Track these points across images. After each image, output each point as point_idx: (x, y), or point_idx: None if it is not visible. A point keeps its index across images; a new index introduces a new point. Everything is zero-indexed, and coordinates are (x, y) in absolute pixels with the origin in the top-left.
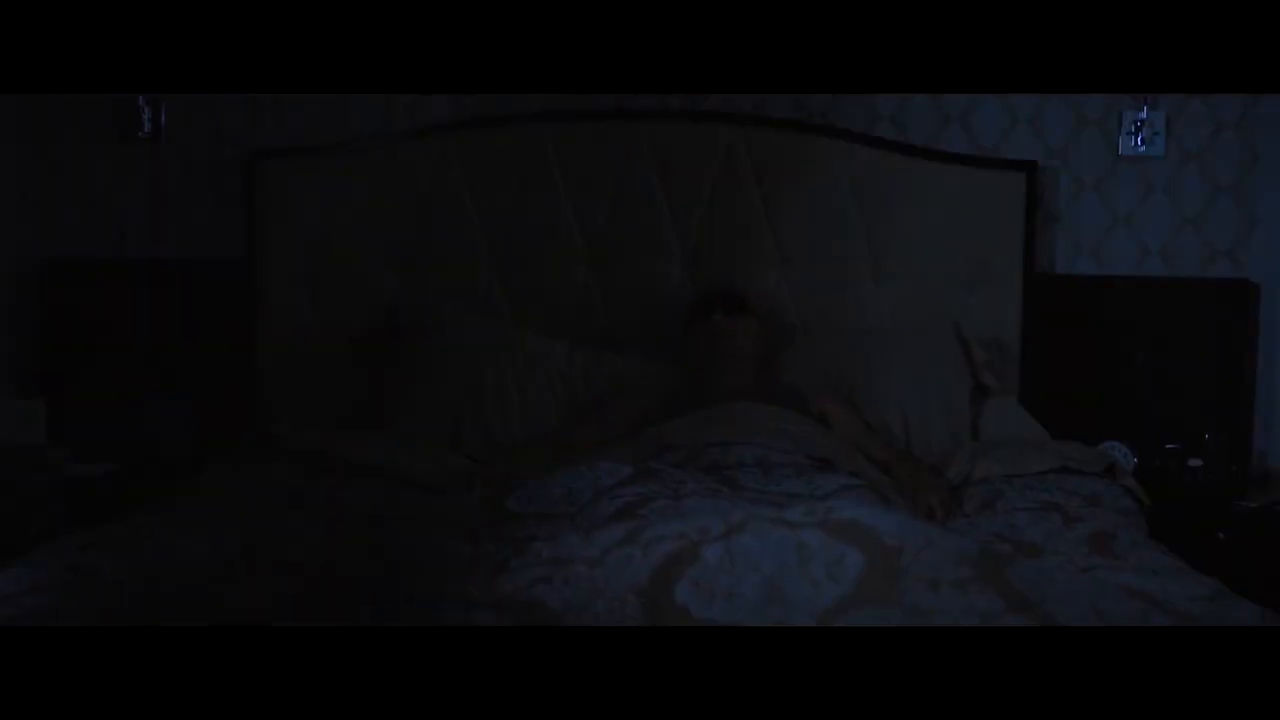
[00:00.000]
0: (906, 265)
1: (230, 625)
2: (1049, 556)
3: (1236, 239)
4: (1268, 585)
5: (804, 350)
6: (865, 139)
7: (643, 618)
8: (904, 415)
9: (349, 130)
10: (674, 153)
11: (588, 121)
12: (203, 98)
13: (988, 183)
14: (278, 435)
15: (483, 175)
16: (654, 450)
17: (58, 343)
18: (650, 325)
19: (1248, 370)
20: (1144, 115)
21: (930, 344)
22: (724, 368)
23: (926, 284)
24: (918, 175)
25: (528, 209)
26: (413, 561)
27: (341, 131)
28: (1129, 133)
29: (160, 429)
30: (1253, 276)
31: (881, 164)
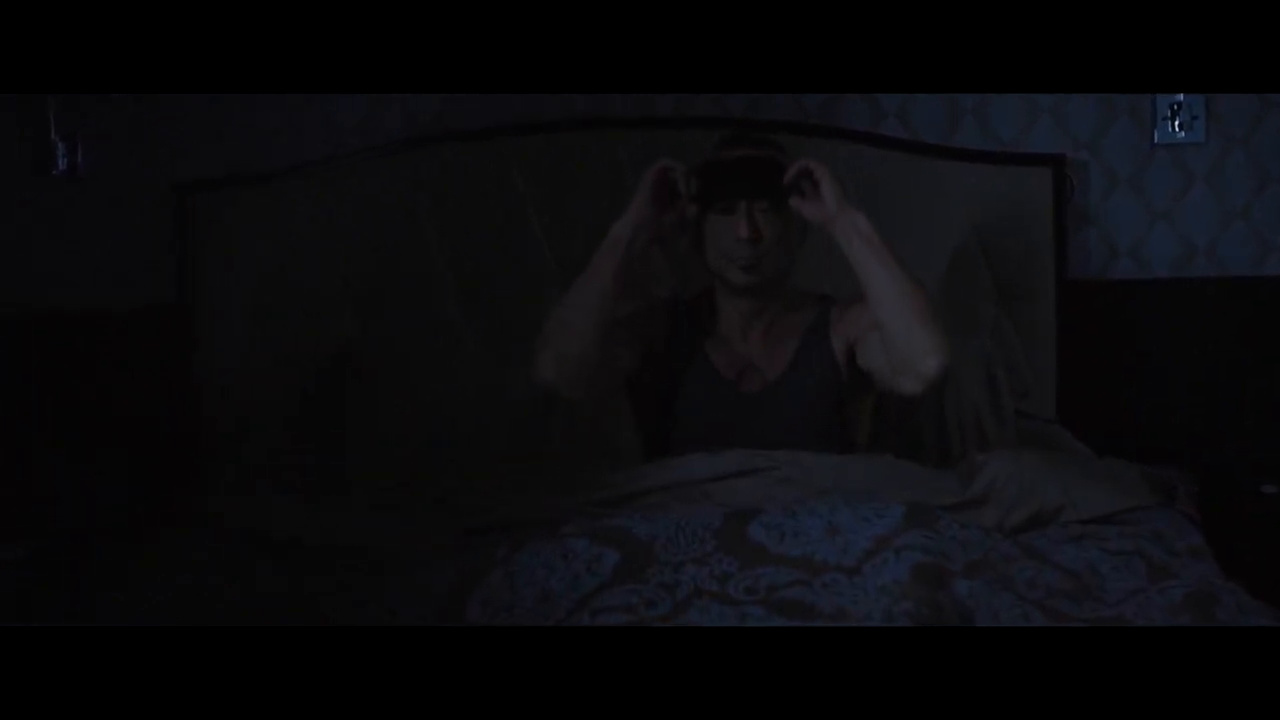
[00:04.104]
0: (924, 277)
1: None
2: None
3: None
4: None
5: None
6: (869, 138)
7: None
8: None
9: (289, 155)
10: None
11: (559, 133)
12: (124, 128)
13: (1010, 181)
14: (210, 507)
15: (443, 197)
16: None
17: None
18: None
19: None
20: (1180, 98)
21: (964, 363)
22: (750, 297)
23: (948, 297)
24: (931, 177)
25: (495, 232)
26: None
27: (281, 157)
28: (1165, 117)
29: (88, 501)
30: None
31: (889, 166)
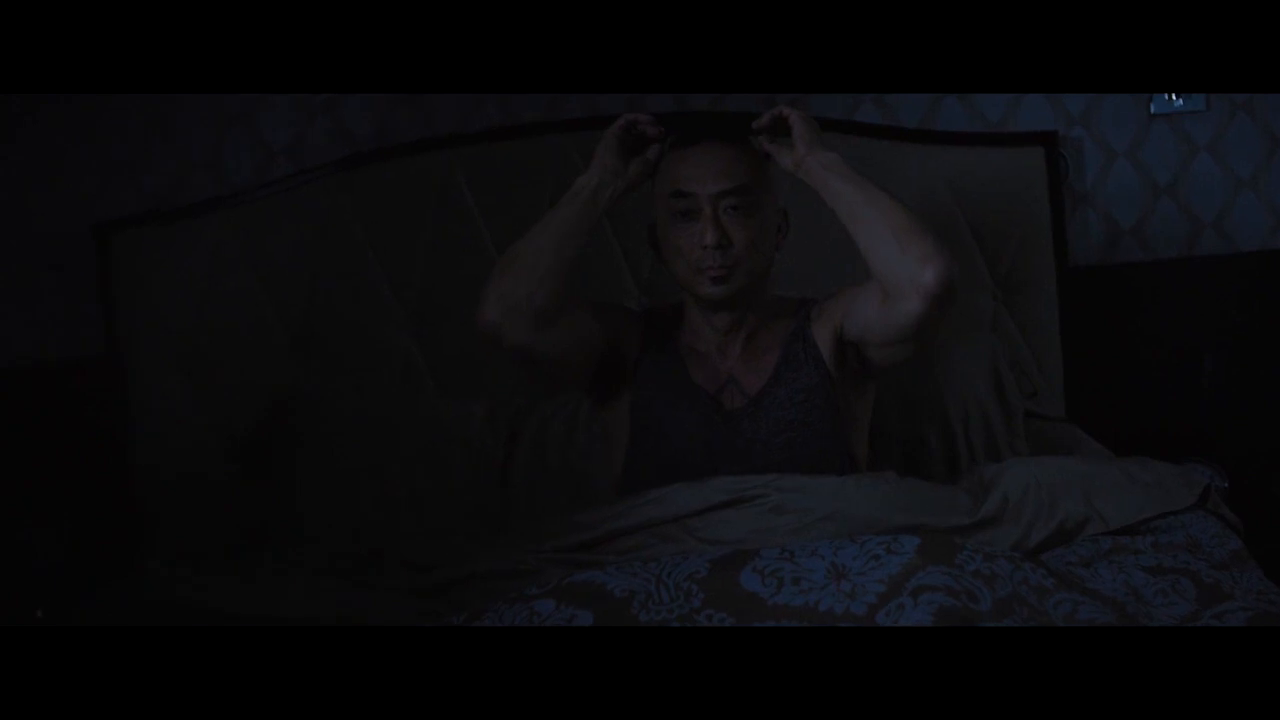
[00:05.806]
0: None
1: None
2: None
3: None
4: None
5: None
6: (848, 126)
7: None
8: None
9: (215, 186)
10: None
11: (506, 141)
12: (37, 168)
13: (1000, 164)
14: (143, 580)
15: (384, 220)
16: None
17: None
18: None
19: None
20: None
21: (965, 363)
22: (726, 310)
23: None
24: (916, 165)
25: (444, 250)
26: None
27: (206, 188)
28: None
29: (15, 575)
30: None
31: (870, 154)
